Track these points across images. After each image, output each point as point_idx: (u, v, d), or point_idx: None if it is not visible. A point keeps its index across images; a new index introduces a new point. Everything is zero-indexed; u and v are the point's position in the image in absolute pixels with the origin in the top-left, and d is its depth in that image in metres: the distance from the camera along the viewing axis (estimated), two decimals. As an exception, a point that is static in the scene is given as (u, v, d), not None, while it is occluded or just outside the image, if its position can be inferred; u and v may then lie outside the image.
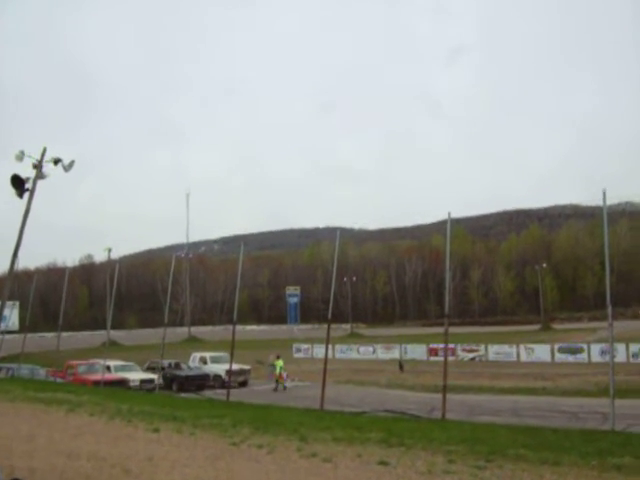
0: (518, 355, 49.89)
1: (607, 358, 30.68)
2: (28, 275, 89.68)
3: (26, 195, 30.37)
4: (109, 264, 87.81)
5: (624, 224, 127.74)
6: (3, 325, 31.54)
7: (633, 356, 42.28)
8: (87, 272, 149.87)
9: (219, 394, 27.00)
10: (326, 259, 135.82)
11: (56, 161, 30.36)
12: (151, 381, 31.08)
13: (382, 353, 57.72)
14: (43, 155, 30.47)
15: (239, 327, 24.78)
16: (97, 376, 30.28)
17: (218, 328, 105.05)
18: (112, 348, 54.13)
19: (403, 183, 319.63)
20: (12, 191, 30.13)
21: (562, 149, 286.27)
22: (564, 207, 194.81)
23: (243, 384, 34.38)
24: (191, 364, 37.02)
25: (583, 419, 19.02)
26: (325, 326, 22.31)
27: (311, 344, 60.68)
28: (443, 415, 16.86)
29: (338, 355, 55.65)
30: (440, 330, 48.96)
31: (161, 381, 30.61)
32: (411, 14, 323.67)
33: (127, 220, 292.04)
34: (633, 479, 8.59)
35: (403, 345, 56.85)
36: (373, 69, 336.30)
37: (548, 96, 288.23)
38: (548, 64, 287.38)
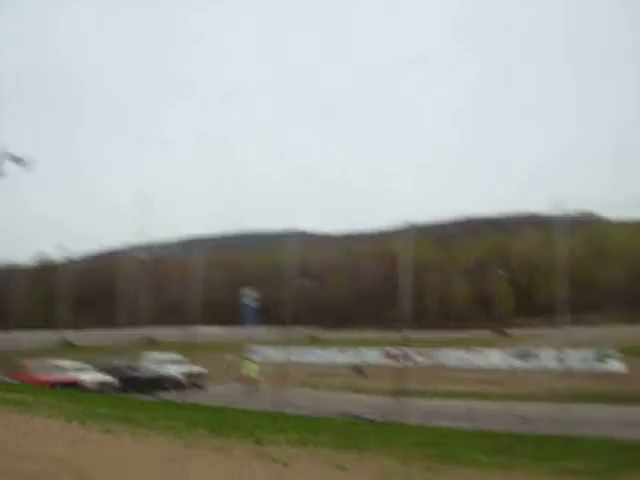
0: (473, 360, 50.43)
1: (560, 364, 31.21)
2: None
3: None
4: (65, 263, 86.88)
5: (581, 234, 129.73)
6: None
7: (587, 361, 42.97)
8: (42, 271, 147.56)
9: (175, 397, 26.89)
10: (284, 262, 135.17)
11: (15, 159, 30.15)
12: (107, 383, 30.80)
13: (338, 357, 57.90)
14: (2, 154, 30.20)
15: (195, 329, 24.77)
16: (51, 377, 29.91)
17: (174, 330, 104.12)
18: (67, 348, 53.61)
19: (365, 189, 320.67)
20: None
21: (525, 158, 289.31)
22: (522, 216, 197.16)
23: (199, 386, 34.25)
24: (147, 366, 36.77)
25: (536, 424, 19.33)
26: (282, 328, 22.41)
27: (267, 347, 60.59)
28: (398, 419, 17.04)
29: (294, 358, 55.62)
30: (396, 335, 49.34)
31: (117, 383, 30.36)
32: (369, 20, 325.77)
33: (83, 220, 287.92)
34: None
35: (359, 349, 57.10)
36: (338, 72, 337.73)
37: (520, 101, 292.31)
38: (524, 68, 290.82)
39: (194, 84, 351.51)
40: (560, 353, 34.51)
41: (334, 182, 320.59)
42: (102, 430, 13.42)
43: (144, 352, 44.40)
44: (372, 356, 55.14)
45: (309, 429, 13.88)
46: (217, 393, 31.74)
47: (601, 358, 44.50)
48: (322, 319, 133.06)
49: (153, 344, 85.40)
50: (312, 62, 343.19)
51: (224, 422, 15.28)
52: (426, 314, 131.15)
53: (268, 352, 58.93)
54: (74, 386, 29.10)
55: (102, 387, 30.29)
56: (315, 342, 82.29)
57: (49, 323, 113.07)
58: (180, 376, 32.65)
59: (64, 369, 31.71)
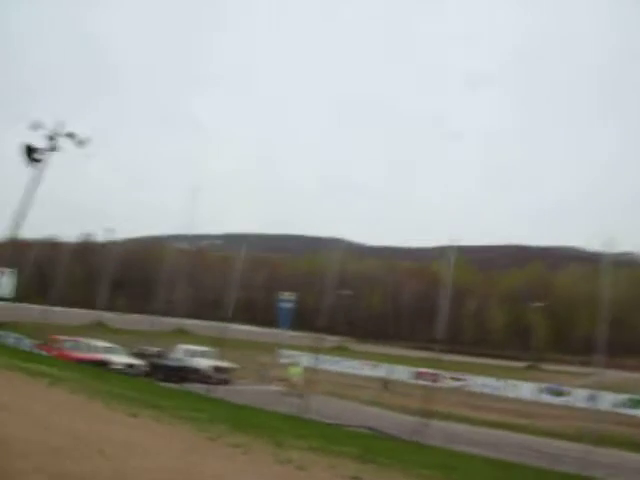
0: (503, 390, 49.75)
1: (592, 404, 30.56)
2: (28, 245, 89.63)
3: (36, 166, 30.56)
4: (109, 245, 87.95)
5: (624, 273, 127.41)
6: (-1, 291, 31.52)
7: (618, 406, 42.14)
8: (86, 250, 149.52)
9: (200, 388, 26.95)
10: (324, 269, 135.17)
11: (70, 135, 30.53)
12: (135, 366, 31.03)
13: (368, 370, 57.65)
14: (58, 128, 30.62)
15: (230, 326, 24.80)
16: (82, 354, 30.26)
17: (208, 323, 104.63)
18: (101, 329, 54.21)
19: (409, 204, 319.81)
20: (20, 160, 30.34)
21: (573, 191, 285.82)
22: (567, 249, 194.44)
23: (226, 382, 34.30)
24: (177, 355, 36.96)
25: (562, 462, 18.91)
26: (315, 335, 22.29)
27: (298, 351, 60.57)
28: (422, 439, 16.82)
29: (323, 366, 55.51)
30: (429, 355, 48.87)
31: (146, 368, 30.55)
32: (430, 39, 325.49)
33: (132, 204, 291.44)
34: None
35: (390, 365, 56.76)
36: (390, 88, 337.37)
37: (567, 135, 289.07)
38: (569, 104, 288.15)
39: (241, 88, 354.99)
40: (592, 393, 33.85)
41: (378, 193, 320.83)
42: (127, 413, 13.47)
43: (175, 341, 44.69)
44: (402, 373, 54.81)
45: (331, 438, 13.75)
46: (243, 390, 31.74)
47: (634, 404, 43.54)
48: (355, 330, 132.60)
49: (185, 334, 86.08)
50: (361, 69, 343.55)
51: (247, 420, 15.24)
52: (461, 337, 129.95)
53: (298, 357, 58.94)
54: (102, 365, 29.40)
55: (129, 369, 30.53)
56: (345, 352, 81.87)
57: (87, 302, 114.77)
58: (208, 369, 32.73)
59: (95, 348, 32.05)
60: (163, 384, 28.04)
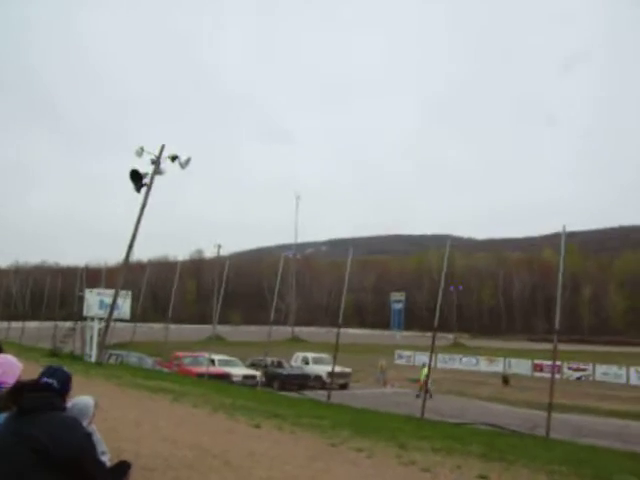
0: (628, 377, 47.99)
1: None
2: (141, 267, 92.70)
3: (143, 190, 31.58)
4: (218, 260, 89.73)
5: None
6: (116, 313, 32.69)
7: None
8: (196, 267, 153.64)
9: (319, 395, 27.10)
10: (433, 267, 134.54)
11: (173, 158, 31.40)
12: (253, 377, 31.53)
13: (485, 365, 56.78)
14: (161, 152, 31.55)
15: (342, 330, 24.76)
16: (201, 369, 30.98)
17: (321, 330, 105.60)
18: (217, 342, 55.34)
19: (514, 193, 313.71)
20: (130, 186, 31.41)
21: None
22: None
23: (344, 386, 34.43)
24: (293, 363, 37.36)
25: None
26: (428, 334, 22.11)
27: (413, 351, 60.32)
28: (547, 433, 16.37)
29: (440, 364, 55.06)
30: (546, 346, 47.65)
31: (263, 378, 31.00)
32: (525, 21, 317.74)
33: (237, 218, 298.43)
34: None
35: (507, 359, 55.71)
36: (483, 76, 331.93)
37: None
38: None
39: (350, 91, 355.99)
40: None
41: (479, 185, 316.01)
42: (250, 424, 13.68)
43: (290, 350, 45.22)
44: (520, 367, 53.68)
45: (454, 438, 13.55)
46: (361, 394, 31.78)
47: None
48: (467, 326, 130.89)
49: (299, 342, 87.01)
50: (449, 63, 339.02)
51: (368, 424, 15.20)
52: (579, 326, 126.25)
53: (414, 357, 58.70)
54: (221, 378, 30.02)
55: (247, 381, 31.05)
56: (461, 349, 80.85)
57: (202, 317, 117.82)
58: (325, 375, 32.92)
59: (213, 362, 32.76)
60: (282, 393, 28.38)
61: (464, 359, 59.16)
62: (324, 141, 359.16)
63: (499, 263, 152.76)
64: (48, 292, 50.84)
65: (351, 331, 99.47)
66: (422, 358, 49.66)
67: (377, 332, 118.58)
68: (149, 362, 36.19)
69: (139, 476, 7.64)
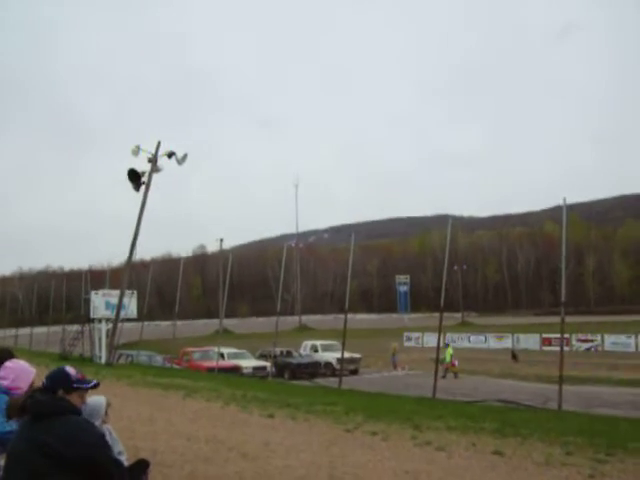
0: (637, 346, 48.01)
1: None
2: (145, 265, 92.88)
3: (142, 188, 31.55)
4: (221, 254, 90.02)
5: None
6: (123, 313, 32.73)
7: None
8: (200, 262, 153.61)
9: (331, 382, 27.16)
10: (436, 247, 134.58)
11: (170, 155, 31.34)
12: (263, 368, 31.57)
13: (494, 342, 56.87)
14: (157, 149, 31.48)
15: (349, 316, 24.73)
16: (211, 363, 31.03)
17: (328, 317, 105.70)
18: (225, 336, 55.48)
19: (513, 168, 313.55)
20: (129, 185, 31.39)
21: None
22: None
23: (354, 372, 34.47)
24: (302, 352, 37.39)
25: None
26: (436, 315, 22.15)
27: (422, 333, 60.40)
28: (559, 406, 16.39)
29: (449, 344, 55.17)
30: (553, 319, 47.68)
31: (273, 369, 31.03)
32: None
33: (237, 211, 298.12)
34: None
35: (515, 334, 55.77)
36: (479, 52, 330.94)
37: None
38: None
39: (343, 75, 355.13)
40: None
41: (477, 162, 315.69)
42: (264, 414, 13.73)
43: (299, 339, 45.26)
44: (529, 342, 53.74)
45: (468, 416, 13.59)
46: (372, 378, 31.84)
47: None
48: (475, 304, 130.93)
49: (307, 330, 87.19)
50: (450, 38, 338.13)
51: (381, 408, 15.24)
52: (585, 297, 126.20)
53: (422, 338, 58.81)
54: (232, 371, 30.06)
55: (259, 372, 31.09)
56: (469, 328, 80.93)
57: (208, 312, 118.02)
58: (335, 362, 32.95)
59: (223, 356, 32.79)
60: (293, 382, 28.43)
61: (472, 337, 59.22)
62: (319, 127, 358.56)
63: (502, 239, 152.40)
64: (54, 296, 50.88)
65: (358, 316, 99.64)
66: (431, 339, 49.74)
67: (384, 316, 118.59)
68: (159, 360, 36.24)
69: (156, 472, 7.68)
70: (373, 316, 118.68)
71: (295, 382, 28.41)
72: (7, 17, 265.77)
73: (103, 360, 32.35)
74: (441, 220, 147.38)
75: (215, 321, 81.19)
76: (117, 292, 33.33)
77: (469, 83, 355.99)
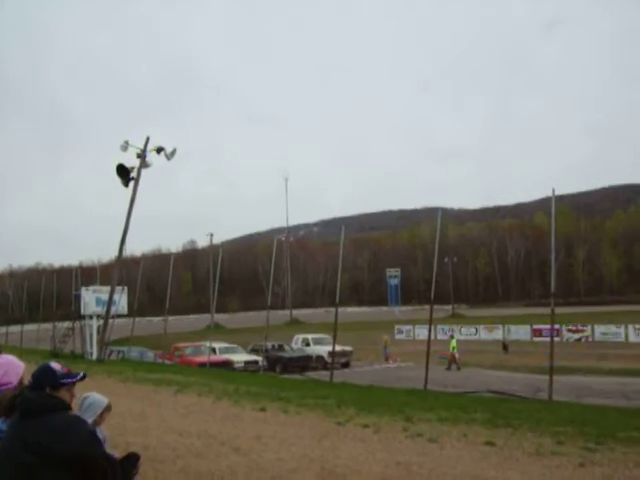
0: (626, 335, 48.22)
1: None
2: (135, 261, 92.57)
3: (131, 184, 31.47)
4: (211, 249, 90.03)
5: None
6: (113, 309, 32.67)
7: None
8: (190, 257, 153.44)
9: (322, 375, 27.18)
10: (426, 240, 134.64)
11: (159, 150, 31.24)
12: (255, 362, 31.56)
13: (485, 334, 57.01)
14: (146, 144, 31.39)
15: (340, 309, 24.68)
16: (203, 358, 30.98)
17: (319, 310, 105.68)
18: (216, 331, 55.44)
19: (502, 161, 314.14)
20: (118, 181, 31.31)
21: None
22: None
23: (346, 365, 34.50)
24: (294, 346, 37.40)
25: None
26: (426, 307, 22.17)
27: (413, 325, 60.50)
28: (550, 396, 16.47)
29: (440, 336, 55.15)
30: (543, 310, 47.78)
31: (265, 363, 31.03)
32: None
33: (227, 206, 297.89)
34: None
35: (506, 326, 55.91)
36: (468, 46, 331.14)
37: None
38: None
39: (334, 69, 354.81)
40: None
41: (466, 153, 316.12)
42: (256, 409, 13.74)
43: (290, 333, 45.25)
44: (520, 333, 53.89)
45: (459, 407, 13.66)
46: (363, 371, 31.89)
47: None
48: (465, 296, 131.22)
49: (298, 324, 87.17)
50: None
51: (373, 400, 15.29)
52: (575, 288, 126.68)
53: (413, 330, 58.95)
54: (223, 366, 30.05)
55: (250, 367, 31.09)
56: (460, 320, 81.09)
57: (199, 307, 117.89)
58: (326, 355, 32.98)
59: (214, 350, 32.76)
60: (285, 376, 28.44)
61: (463, 329, 59.30)
62: (309, 122, 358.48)
63: (492, 231, 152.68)
64: (44, 293, 50.68)
65: (349, 310, 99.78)
66: (422, 331, 49.86)
67: (375, 309, 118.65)
68: (150, 355, 36.19)
69: (149, 468, 7.69)
70: (364, 309, 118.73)
71: (287, 376, 28.40)
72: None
73: (94, 356, 32.31)
74: (431, 213, 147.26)
75: (206, 316, 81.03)
76: (107, 288, 33.29)
77: (459, 77, 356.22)
